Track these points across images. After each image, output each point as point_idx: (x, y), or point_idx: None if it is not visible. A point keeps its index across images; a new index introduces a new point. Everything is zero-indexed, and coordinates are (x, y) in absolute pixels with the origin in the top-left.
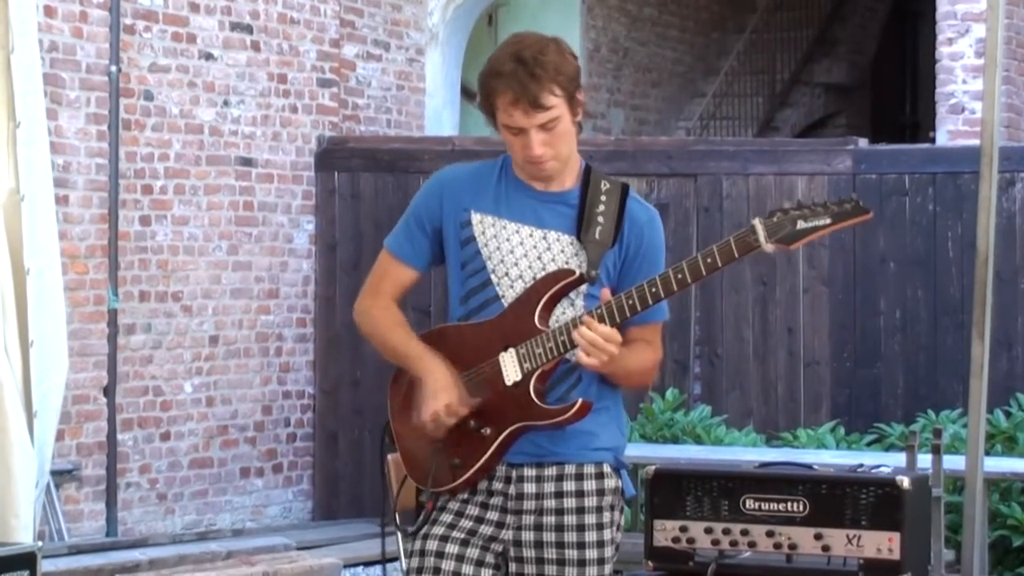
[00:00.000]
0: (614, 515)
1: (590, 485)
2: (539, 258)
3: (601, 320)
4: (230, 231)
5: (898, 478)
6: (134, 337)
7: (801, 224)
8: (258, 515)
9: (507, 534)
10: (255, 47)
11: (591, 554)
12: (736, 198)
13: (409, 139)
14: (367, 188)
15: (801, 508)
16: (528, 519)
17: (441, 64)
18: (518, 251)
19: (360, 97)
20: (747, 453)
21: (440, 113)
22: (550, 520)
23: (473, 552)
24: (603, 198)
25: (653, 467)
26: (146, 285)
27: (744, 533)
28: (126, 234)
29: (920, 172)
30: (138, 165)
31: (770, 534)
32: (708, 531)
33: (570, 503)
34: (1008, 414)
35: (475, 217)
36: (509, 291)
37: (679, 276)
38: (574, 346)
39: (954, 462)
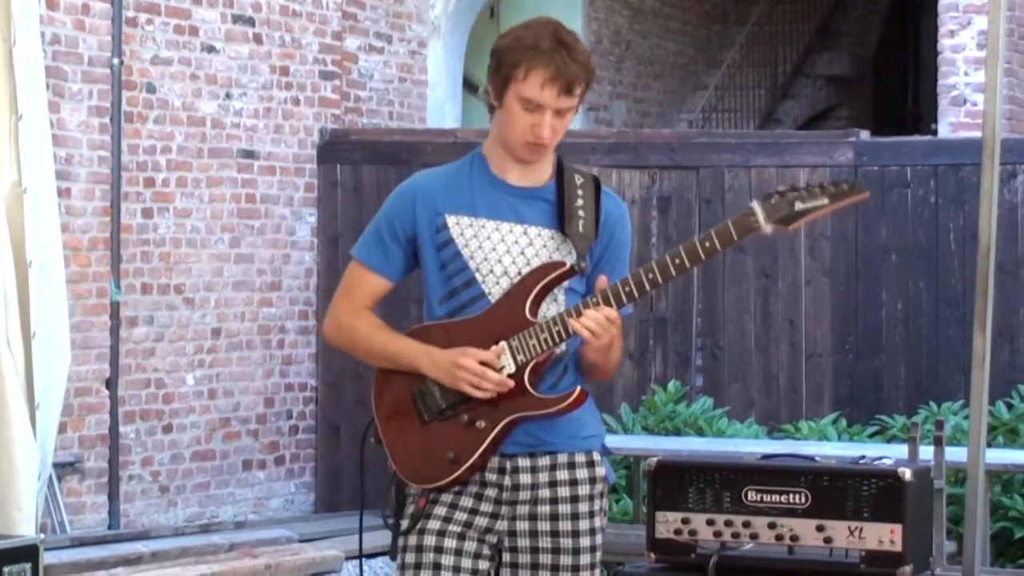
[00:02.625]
0: (603, 502)
1: (583, 474)
2: (522, 253)
3: (604, 304)
4: (232, 223)
5: (900, 470)
6: (136, 330)
7: (799, 205)
8: (260, 507)
9: (502, 525)
10: (257, 39)
11: (585, 542)
12: (738, 190)
13: (411, 131)
14: (369, 180)
15: (803, 500)
16: (523, 509)
17: (443, 56)
18: (500, 248)
19: (362, 89)
20: (749, 445)
21: (442, 105)
22: (544, 510)
23: (471, 545)
24: (579, 192)
25: (655, 459)
26: (148, 278)
27: (746, 525)
28: (128, 227)
29: (922, 164)
30: (140, 158)
31: (772, 526)
32: (710, 523)
33: (564, 492)
34: (1010, 406)
35: (451, 220)
36: (495, 288)
37: (676, 261)
38: (568, 335)
39: (956, 454)
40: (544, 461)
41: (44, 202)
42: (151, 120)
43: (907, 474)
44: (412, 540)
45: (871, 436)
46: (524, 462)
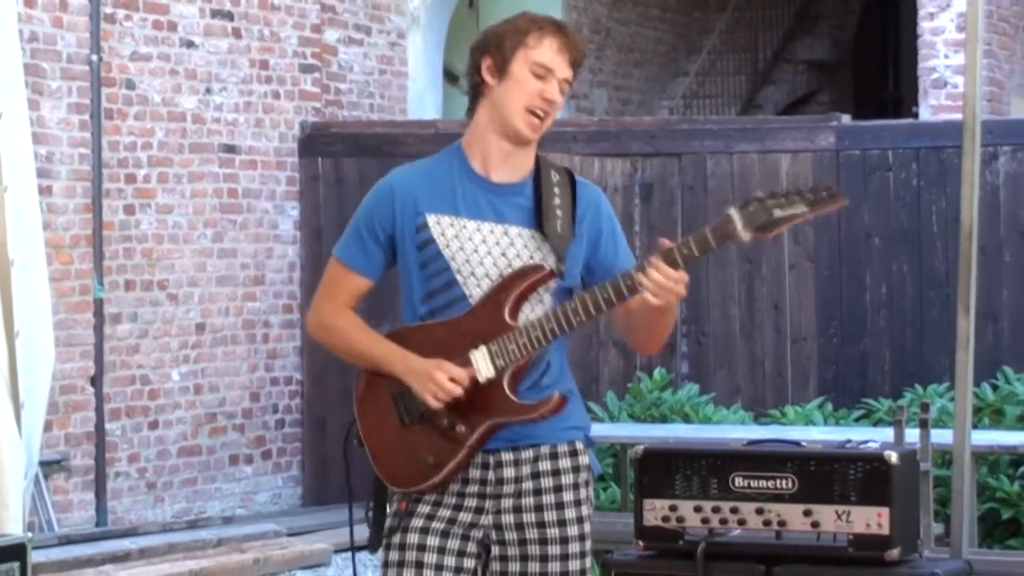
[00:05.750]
0: (589, 491)
1: (565, 463)
2: (503, 254)
3: (670, 264)
4: (214, 218)
5: (886, 453)
6: (120, 326)
7: (777, 212)
8: (248, 502)
9: (486, 519)
10: (236, 34)
11: (572, 531)
12: (720, 177)
13: (392, 123)
14: (351, 173)
15: (790, 485)
16: (507, 502)
17: (423, 48)
18: (481, 249)
19: (342, 82)
20: (735, 431)
21: (423, 97)
22: (529, 502)
23: (454, 543)
24: (556, 190)
25: (642, 447)
26: (131, 274)
27: (734, 511)
28: (110, 223)
29: (903, 147)
30: (121, 154)
31: (759, 511)
32: (697, 509)
33: (547, 483)
34: (995, 387)
35: (431, 219)
36: (476, 290)
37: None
38: (547, 341)
39: (942, 436)
40: (527, 454)
41: (25, 200)
42: (131, 116)
43: (893, 457)
44: (396, 538)
45: (857, 420)
46: (507, 456)
